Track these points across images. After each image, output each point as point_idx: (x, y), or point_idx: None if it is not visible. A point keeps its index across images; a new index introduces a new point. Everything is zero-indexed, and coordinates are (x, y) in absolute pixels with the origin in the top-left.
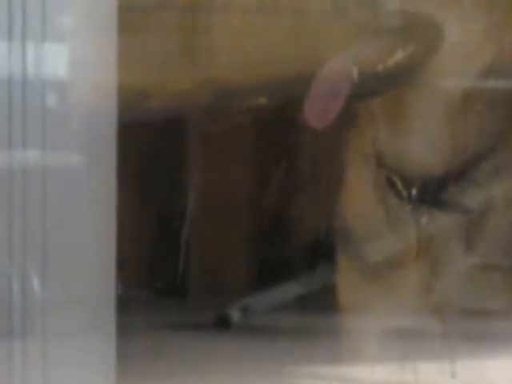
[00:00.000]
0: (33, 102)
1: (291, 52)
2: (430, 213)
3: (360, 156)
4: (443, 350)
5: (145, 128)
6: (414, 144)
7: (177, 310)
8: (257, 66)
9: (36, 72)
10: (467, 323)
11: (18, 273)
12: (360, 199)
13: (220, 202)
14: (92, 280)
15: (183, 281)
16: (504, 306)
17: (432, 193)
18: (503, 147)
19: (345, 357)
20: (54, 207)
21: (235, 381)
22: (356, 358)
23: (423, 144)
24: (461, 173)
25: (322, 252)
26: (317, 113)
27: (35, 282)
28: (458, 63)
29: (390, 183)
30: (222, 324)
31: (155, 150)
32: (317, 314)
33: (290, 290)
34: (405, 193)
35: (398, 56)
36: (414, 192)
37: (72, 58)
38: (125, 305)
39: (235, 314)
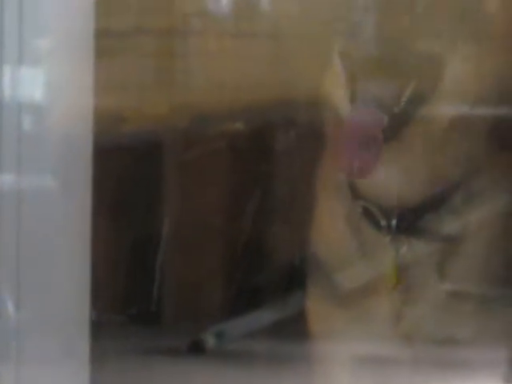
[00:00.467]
0: (9, 124)
1: (267, 77)
2: (409, 242)
3: (332, 187)
4: (414, 377)
5: (120, 152)
6: (391, 174)
7: (151, 336)
8: (233, 90)
9: (12, 95)
10: (438, 351)
11: None
12: (331, 230)
13: (195, 228)
14: (66, 305)
15: (158, 306)
16: (474, 334)
17: (410, 222)
18: (477, 175)
19: (317, 383)
20: (29, 231)
21: None
22: None
23: (400, 174)
24: (438, 201)
25: (296, 279)
26: (357, 166)
27: (9, 307)
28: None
29: (367, 213)
30: (197, 349)
31: (130, 175)
32: (291, 340)
33: (264, 317)
34: (383, 223)
35: (407, 94)
36: (393, 222)
37: (48, 82)
38: (99, 331)
39: (210, 340)
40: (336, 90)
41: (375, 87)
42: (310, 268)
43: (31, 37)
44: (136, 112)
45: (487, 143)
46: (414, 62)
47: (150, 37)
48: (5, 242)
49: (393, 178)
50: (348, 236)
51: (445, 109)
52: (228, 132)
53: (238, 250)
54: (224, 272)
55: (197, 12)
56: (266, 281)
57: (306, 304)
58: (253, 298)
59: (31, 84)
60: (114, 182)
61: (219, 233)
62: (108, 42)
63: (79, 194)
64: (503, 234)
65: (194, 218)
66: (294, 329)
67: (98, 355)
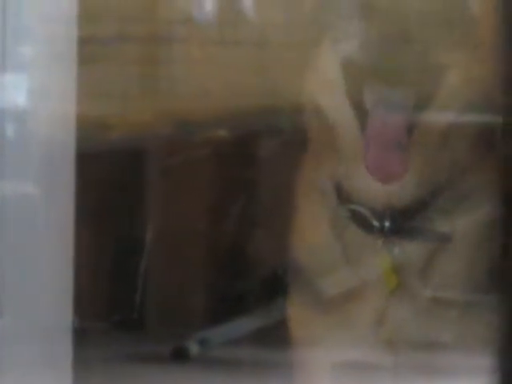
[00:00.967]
0: None
1: (252, 85)
2: (401, 243)
3: (315, 192)
4: (396, 382)
5: (104, 159)
6: None
7: (135, 343)
8: (217, 98)
9: None
10: (419, 356)
11: None
12: (314, 236)
13: (178, 235)
14: (49, 312)
15: (141, 313)
16: (458, 339)
17: (402, 223)
18: (465, 178)
19: None
20: (11, 237)
21: None
22: None
23: None
24: (428, 202)
25: (279, 285)
26: (385, 170)
27: None
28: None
29: (357, 217)
30: (180, 356)
31: (114, 181)
32: (274, 347)
33: (247, 323)
34: (376, 224)
35: (411, 101)
36: (386, 223)
37: (31, 88)
38: (82, 337)
39: (193, 347)
40: (330, 98)
41: (380, 94)
42: (292, 274)
43: (14, 43)
44: (120, 119)
45: (475, 147)
46: (414, 70)
47: (133, 44)
48: None
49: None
50: (331, 241)
51: (436, 115)
52: (211, 139)
53: (221, 256)
54: (207, 279)
55: (181, 19)
56: (250, 287)
57: (288, 310)
58: (236, 305)
59: (14, 90)
60: (97, 188)
61: (202, 239)
62: (91, 49)
63: (62, 201)
64: (488, 239)
65: (178, 225)
66: (277, 335)
67: (81, 362)
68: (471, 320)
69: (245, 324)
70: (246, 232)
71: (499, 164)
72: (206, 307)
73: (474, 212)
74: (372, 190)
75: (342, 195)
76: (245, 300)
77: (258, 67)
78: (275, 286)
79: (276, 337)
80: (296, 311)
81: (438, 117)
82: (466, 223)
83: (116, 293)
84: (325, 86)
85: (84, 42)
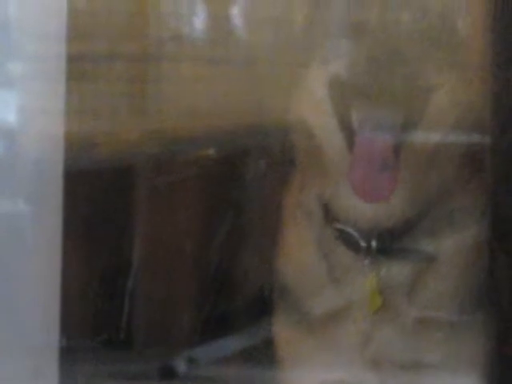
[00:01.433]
0: None
1: (240, 103)
2: (388, 264)
3: (302, 212)
4: None
5: (92, 177)
6: None
7: (122, 361)
8: (205, 116)
9: None
10: (405, 377)
11: None
12: (301, 256)
13: (165, 254)
14: (35, 330)
15: (128, 331)
16: (442, 360)
17: (389, 243)
18: (451, 199)
19: None
20: None
21: None
22: None
23: None
24: (414, 222)
25: (266, 305)
26: (370, 190)
27: None
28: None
29: (344, 236)
30: (167, 375)
31: (102, 200)
32: (261, 366)
33: (234, 343)
34: (363, 244)
35: (399, 121)
36: (373, 243)
37: (20, 106)
38: (69, 356)
39: (180, 366)
40: (318, 118)
41: (367, 114)
42: (278, 294)
43: (3, 61)
44: (108, 137)
45: (462, 168)
46: (402, 90)
47: (122, 62)
48: None
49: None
50: (318, 261)
51: (423, 135)
52: (200, 158)
53: (208, 275)
54: (195, 298)
55: (170, 38)
56: (236, 307)
57: (274, 330)
58: (223, 324)
59: (3, 108)
60: (85, 207)
61: (190, 259)
62: (80, 67)
63: (50, 218)
64: (474, 260)
65: (165, 244)
66: (264, 355)
67: (68, 381)
68: (457, 340)
69: (232, 343)
70: (233, 251)
71: (486, 185)
72: (193, 326)
73: (461, 232)
74: (359, 210)
75: (329, 215)
76: (232, 319)
77: (247, 86)
78: (262, 305)
79: (262, 356)
80: (282, 331)
81: (426, 137)
82: (452, 244)
83: (104, 311)
84: (313, 106)
85: (73, 59)
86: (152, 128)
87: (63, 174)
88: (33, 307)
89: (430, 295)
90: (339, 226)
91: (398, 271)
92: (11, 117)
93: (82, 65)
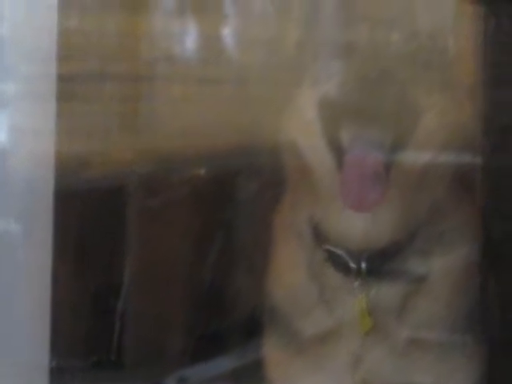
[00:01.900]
0: None
1: (231, 123)
2: (378, 285)
3: (292, 233)
4: None
5: (83, 197)
6: (359, 217)
7: (113, 381)
8: (197, 136)
9: None
10: None
11: None
12: (291, 277)
13: (156, 274)
14: (25, 351)
15: (119, 351)
16: (433, 381)
17: (379, 264)
18: (442, 220)
19: None
20: None
21: None
22: None
23: (367, 217)
24: (405, 243)
25: (256, 326)
26: (361, 198)
27: None
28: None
29: (334, 258)
30: None
31: (93, 220)
32: None
33: (225, 363)
34: (353, 266)
35: (388, 141)
36: (363, 265)
37: (10, 126)
38: (59, 376)
39: None
40: (307, 138)
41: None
42: (268, 315)
43: None
44: (99, 157)
45: (452, 188)
46: (391, 111)
47: (114, 81)
48: None
49: (361, 221)
50: (308, 282)
51: (413, 155)
52: (192, 178)
53: (199, 296)
54: (186, 318)
55: (161, 57)
56: (227, 327)
57: (264, 350)
58: (214, 345)
59: None
60: (76, 226)
61: (181, 279)
62: (71, 87)
63: (40, 238)
64: (464, 280)
65: (156, 264)
66: (254, 375)
67: None
68: (448, 361)
69: (222, 363)
70: (224, 272)
71: (476, 205)
72: (184, 346)
73: (451, 253)
74: (349, 231)
75: (319, 236)
76: (222, 339)
77: (238, 106)
78: (252, 326)
79: (253, 376)
80: (272, 352)
81: (416, 157)
82: (442, 264)
83: (94, 331)
84: (302, 127)
85: (64, 79)
86: (143, 148)
87: (54, 193)
88: (22, 326)
89: (421, 316)
90: (329, 247)
91: (388, 292)
92: (2, 136)
93: (73, 85)
